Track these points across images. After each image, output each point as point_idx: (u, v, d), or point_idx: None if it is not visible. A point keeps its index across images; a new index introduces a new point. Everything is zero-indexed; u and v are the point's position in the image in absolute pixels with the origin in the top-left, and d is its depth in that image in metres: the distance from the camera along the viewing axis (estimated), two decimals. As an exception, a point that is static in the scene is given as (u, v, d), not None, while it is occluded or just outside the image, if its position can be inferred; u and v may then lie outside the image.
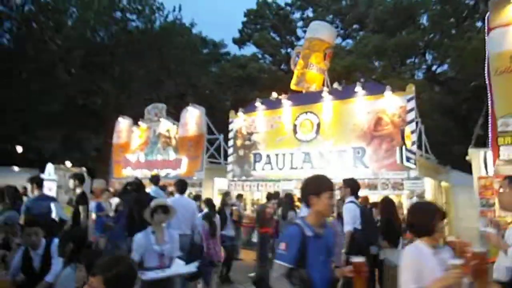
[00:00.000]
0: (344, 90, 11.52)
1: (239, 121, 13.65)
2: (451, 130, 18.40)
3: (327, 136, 11.52)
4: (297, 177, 11.53)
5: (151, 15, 22.53)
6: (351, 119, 11.13)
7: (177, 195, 6.26)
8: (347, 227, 4.78)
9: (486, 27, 9.48)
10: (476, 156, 9.08)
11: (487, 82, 9.33)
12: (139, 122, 16.62)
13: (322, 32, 12.64)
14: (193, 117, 14.89)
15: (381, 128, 10.60)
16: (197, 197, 9.55)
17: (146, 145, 16.40)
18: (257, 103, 13.09)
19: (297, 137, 12.08)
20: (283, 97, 12.48)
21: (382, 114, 10.59)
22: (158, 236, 3.87)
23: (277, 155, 12.27)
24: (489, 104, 9.25)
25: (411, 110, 10.18)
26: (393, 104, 10.43)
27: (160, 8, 23.12)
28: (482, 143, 9.97)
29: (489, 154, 8.86)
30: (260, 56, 33.40)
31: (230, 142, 13.72)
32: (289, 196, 8.12)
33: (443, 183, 11.84)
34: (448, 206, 11.30)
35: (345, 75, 19.90)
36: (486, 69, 9.38)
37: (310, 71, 12.42)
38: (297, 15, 33.79)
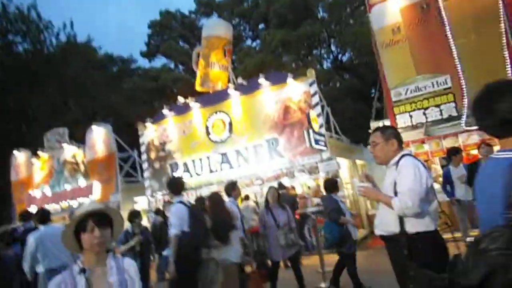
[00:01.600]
0: (249, 84, 11.37)
1: (149, 133, 12.80)
2: (361, 110, 19.48)
3: (241, 132, 11.26)
4: (218, 180, 11.10)
5: (38, 35, 20.39)
6: (261, 112, 11.01)
7: (41, 226, 5.08)
8: (173, 231, 4.27)
9: (367, 5, 10.01)
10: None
11: (376, 57, 9.86)
12: (38, 152, 14.82)
13: (218, 29, 12.40)
14: (100, 136, 13.65)
15: (290, 116, 10.62)
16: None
17: (51, 177, 14.68)
18: (165, 111, 12.39)
19: (211, 138, 11.64)
20: (190, 100, 11.95)
21: (289, 102, 10.62)
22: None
23: (193, 161, 11.69)
24: (382, 78, 9.78)
25: (315, 94, 10.34)
26: (297, 90, 10.52)
27: (48, 27, 21.06)
28: (383, 115, 10.48)
29: (388, 124, 9.32)
30: (172, 66, 32.52)
31: (144, 156, 12.80)
32: (200, 200, 7.45)
33: (358, 161, 12.30)
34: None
35: (256, 73, 19.95)
36: (373, 45, 9.92)
37: (213, 70, 12.08)
38: (203, 21, 33.54)
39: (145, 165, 12.72)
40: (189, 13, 33.62)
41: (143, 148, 12.82)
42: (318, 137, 9.45)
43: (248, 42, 32.41)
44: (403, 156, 2.59)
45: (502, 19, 8.24)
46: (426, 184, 2.44)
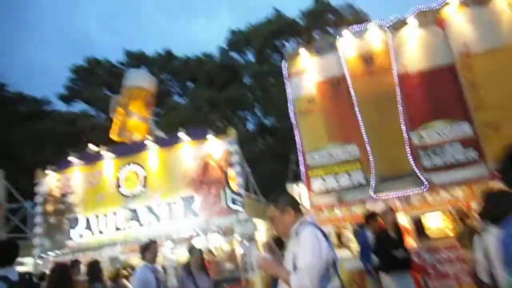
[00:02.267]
0: (169, 138, 10.99)
1: (50, 181, 11.33)
2: (281, 172, 20.03)
3: (155, 187, 10.55)
4: (124, 238, 9.99)
5: None
6: (179, 167, 10.55)
7: None
8: None
9: (285, 75, 10.70)
10: (291, 190, 9.62)
11: (293, 122, 10.34)
12: None
13: (140, 80, 12.15)
14: (-15, 183, 11.67)
15: (209, 173, 10.33)
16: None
17: None
18: (72, 158, 11.20)
19: (121, 192, 10.67)
20: (102, 149, 11.04)
21: (209, 159, 10.40)
22: None
23: (97, 216, 10.47)
24: (299, 142, 10.19)
25: (234, 152, 10.31)
26: (218, 148, 10.40)
27: None
28: (299, 177, 10.70)
29: (303, 187, 9.54)
30: (93, 113, 30.74)
31: (38, 209, 11.13)
32: (93, 266, 6.22)
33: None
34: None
35: (180, 127, 19.68)
36: (291, 111, 10.45)
37: (132, 120, 11.52)
38: (131, 72, 33.01)
39: (38, 219, 11.01)
40: (118, 63, 32.97)
41: (39, 199, 11.20)
42: (235, 196, 9.22)
43: (176, 98, 32.48)
44: (302, 223, 2.42)
45: (399, 101, 9.37)
46: (327, 258, 2.26)
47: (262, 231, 10.94)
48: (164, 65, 31.90)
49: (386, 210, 5.53)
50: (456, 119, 9.02)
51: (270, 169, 20.75)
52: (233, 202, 8.97)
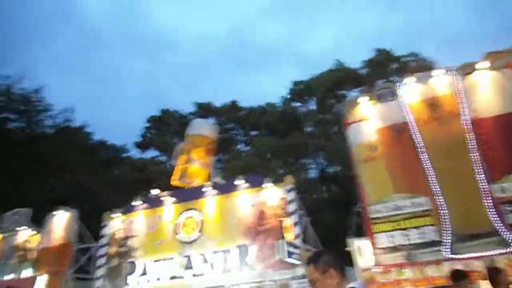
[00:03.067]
0: (227, 184, 11.03)
1: (115, 224, 11.90)
2: (344, 224, 18.86)
3: (211, 234, 10.46)
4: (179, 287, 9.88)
5: (34, 115, 20.89)
6: (235, 214, 10.43)
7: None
8: None
9: (343, 123, 10.34)
10: (352, 245, 8.81)
11: (355, 172, 9.76)
12: (-8, 233, 13.54)
13: (203, 128, 12.68)
14: (61, 222, 12.64)
15: (265, 222, 10.01)
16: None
17: (-4, 262, 13.10)
18: (136, 202, 11.73)
19: (178, 238, 10.74)
20: (164, 194, 11.42)
21: (264, 206, 10.15)
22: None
23: (155, 261, 10.58)
24: (361, 193, 9.51)
25: (292, 201, 9.94)
26: (274, 195, 10.14)
27: (47, 109, 21.70)
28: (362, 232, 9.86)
29: (366, 243, 8.70)
30: (163, 159, 32.79)
31: (102, 250, 11.64)
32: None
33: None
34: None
35: (241, 175, 19.91)
36: (352, 160, 9.92)
37: (192, 166, 11.90)
38: (199, 122, 35.03)
39: (101, 261, 11.46)
40: (188, 114, 35.37)
41: (104, 241, 11.74)
42: (292, 249, 8.70)
43: (240, 146, 33.39)
44: None
45: (470, 147, 8.42)
46: None
47: None
48: (229, 115, 33.43)
49: (499, 269, 4.80)
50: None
51: (332, 220, 19.65)
52: (290, 255, 8.45)
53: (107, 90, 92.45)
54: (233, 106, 34.83)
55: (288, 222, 9.17)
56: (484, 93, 8.91)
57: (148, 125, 34.47)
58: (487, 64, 8.95)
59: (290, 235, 8.97)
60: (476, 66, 9.05)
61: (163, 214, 11.31)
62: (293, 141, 21.77)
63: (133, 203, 11.71)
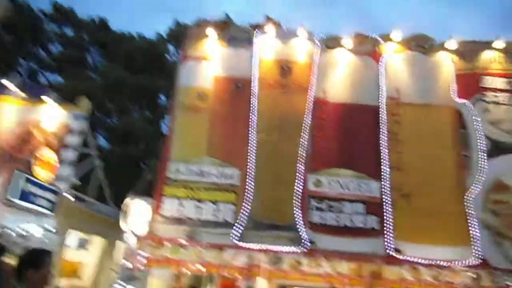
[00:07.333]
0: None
1: None
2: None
3: None
4: None
5: None
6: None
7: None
8: None
9: (181, 56, 8.09)
10: (132, 206, 6.67)
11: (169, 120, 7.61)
12: None
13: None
14: None
15: (28, 148, 6.99)
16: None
17: None
18: None
19: None
20: None
21: (35, 128, 7.11)
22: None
23: None
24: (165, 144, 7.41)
25: (75, 132, 7.19)
26: (54, 117, 7.18)
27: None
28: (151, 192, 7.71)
29: (145, 205, 6.66)
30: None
31: None
32: None
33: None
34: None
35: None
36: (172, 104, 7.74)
37: None
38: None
39: None
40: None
41: None
42: (37, 190, 6.00)
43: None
44: None
45: (303, 128, 7.22)
46: None
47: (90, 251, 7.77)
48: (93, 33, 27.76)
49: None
50: (366, 173, 7.05)
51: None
52: (27, 197, 5.75)
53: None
54: (102, 24, 29.09)
55: (48, 154, 6.42)
56: (338, 75, 7.81)
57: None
58: (350, 44, 7.84)
59: (46, 173, 6.25)
60: (341, 42, 7.86)
61: None
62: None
63: None
